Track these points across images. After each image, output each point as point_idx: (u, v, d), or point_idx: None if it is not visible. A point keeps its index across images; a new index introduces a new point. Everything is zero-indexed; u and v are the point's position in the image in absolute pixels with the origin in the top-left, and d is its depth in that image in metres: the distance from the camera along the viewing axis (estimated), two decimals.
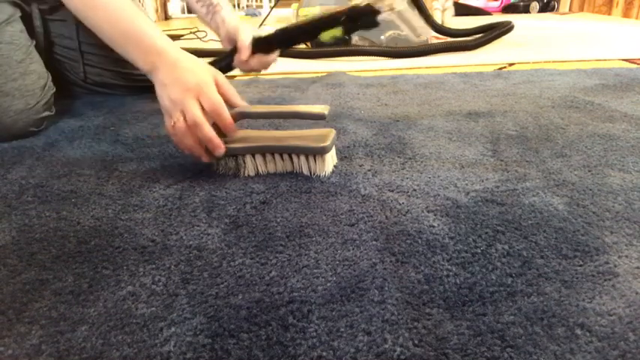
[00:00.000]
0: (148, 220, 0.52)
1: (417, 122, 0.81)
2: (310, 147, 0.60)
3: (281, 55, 1.48)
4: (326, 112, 0.60)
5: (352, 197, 0.55)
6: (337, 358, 0.33)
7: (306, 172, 0.62)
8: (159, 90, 0.60)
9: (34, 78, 0.78)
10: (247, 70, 0.86)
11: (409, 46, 1.46)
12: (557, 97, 0.93)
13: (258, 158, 0.62)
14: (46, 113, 0.84)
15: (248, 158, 0.62)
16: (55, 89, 0.88)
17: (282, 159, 0.63)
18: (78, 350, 0.34)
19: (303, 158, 0.61)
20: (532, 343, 0.34)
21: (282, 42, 0.80)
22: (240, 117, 0.63)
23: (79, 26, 0.94)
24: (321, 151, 0.60)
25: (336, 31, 0.73)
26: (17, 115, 0.77)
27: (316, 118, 0.63)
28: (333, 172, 0.62)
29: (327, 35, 0.75)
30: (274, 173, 0.63)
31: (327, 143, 0.60)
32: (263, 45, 0.80)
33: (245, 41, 0.80)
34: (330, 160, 0.63)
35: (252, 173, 0.63)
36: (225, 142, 0.61)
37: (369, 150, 0.69)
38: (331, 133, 0.62)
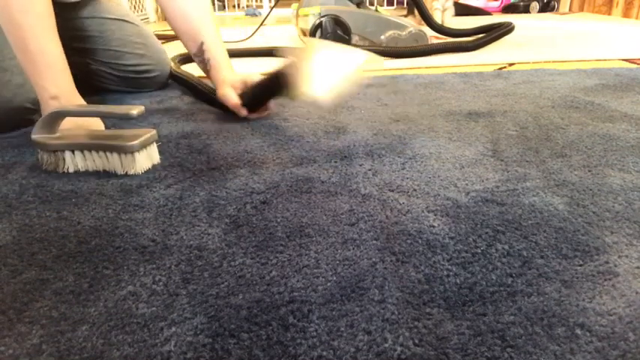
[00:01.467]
0: (149, 220, 0.52)
1: (417, 122, 0.81)
2: (118, 145, 0.63)
3: (282, 55, 1.49)
4: (134, 112, 0.62)
5: (352, 197, 0.55)
6: (337, 357, 0.33)
7: (118, 170, 0.64)
8: None
9: None
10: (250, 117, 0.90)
11: (409, 45, 1.46)
12: (557, 97, 0.94)
13: (78, 155, 0.65)
14: None
15: (67, 154, 0.65)
16: None
17: (99, 156, 0.65)
18: (78, 350, 0.34)
19: (115, 156, 0.64)
20: (532, 343, 0.34)
21: (254, 100, 0.85)
22: (59, 116, 0.66)
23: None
24: (129, 150, 0.62)
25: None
26: (17, 89, 0.77)
27: (124, 118, 0.68)
28: (333, 172, 0.62)
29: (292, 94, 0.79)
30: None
31: (135, 142, 0.62)
32: (250, 103, 0.85)
33: (234, 101, 0.84)
34: (143, 159, 0.65)
35: (71, 169, 0.65)
36: (49, 139, 0.64)
37: (369, 150, 0.69)
38: (148, 133, 0.65)
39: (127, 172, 0.64)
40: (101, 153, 0.64)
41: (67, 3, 0.97)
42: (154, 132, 0.66)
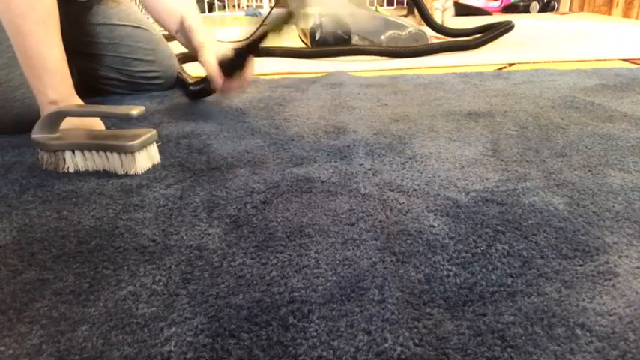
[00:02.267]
0: (149, 220, 0.52)
1: (417, 122, 0.81)
2: (118, 145, 0.63)
3: (281, 55, 1.49)
4: (134, 112, 0.62)
5: (352, 197, 0.55)
6: (337, 357, 0.33)
7: (119, 170, 0.64)
8: None
9: None
10: (227, 93, 0.93)
11: (409, 45, 1.46)
12: (557, 97, 0.94)
13: (78, 155, 0.65)
14: None
15: (67, 154, 0.65)
16: None
17: (99, 156, 0.65)
18: (78, 350, 0.34)
19: (115, 156, 0.64)
20: (532, 343, 0.34)
21: (241, 59, 0.85)
22: (59, 116, 0.66)
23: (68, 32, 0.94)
24: (129, 150, 0.63)
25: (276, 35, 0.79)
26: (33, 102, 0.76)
27: (124, 118, 0.70)
28: (333, 172, 0.62)
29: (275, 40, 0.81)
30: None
31: (135, 142, 0.63)
32: (228, 67, 0.86)
33: (212, 65, 0.86)
34: (143, 159, 0.65)
35: (71, 169, 0.66)
36: (49, 139, 0.65)
37: (369, 149, 0.69)
38: (148, 133, 0.65)
39: (127, 172, 0.64)
40: (101, 153, 0.65)
41: (78, 8, 0.97)
42: (154, 132, 0.66)
